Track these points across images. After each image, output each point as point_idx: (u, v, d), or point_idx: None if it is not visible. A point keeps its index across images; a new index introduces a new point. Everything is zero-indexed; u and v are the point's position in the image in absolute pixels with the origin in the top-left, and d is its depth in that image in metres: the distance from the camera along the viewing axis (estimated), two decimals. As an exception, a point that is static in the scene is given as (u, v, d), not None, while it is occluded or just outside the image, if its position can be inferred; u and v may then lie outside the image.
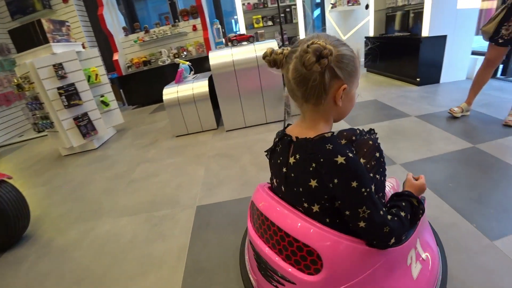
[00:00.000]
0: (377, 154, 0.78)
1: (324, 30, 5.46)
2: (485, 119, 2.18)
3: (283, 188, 0.75)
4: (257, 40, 2.68)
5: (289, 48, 0.67)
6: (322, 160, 0.63)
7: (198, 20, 4.52)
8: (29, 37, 2.65)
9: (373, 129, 0.89)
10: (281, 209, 0.72)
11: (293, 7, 4.44)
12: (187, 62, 3.17)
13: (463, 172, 1.56)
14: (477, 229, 1.14)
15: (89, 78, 3.20)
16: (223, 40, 2.67)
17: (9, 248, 1.60)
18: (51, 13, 4.65)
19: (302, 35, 4.59)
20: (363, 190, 0.62)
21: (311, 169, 0.64)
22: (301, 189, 0.68)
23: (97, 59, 3.28)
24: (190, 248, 1.31)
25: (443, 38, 3.14)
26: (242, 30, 4.59)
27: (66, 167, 2.83)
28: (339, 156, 0.62)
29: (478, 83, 2.19)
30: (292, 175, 0.70)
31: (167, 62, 4.60)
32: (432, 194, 1.39)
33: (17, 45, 2.83)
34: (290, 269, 0.69)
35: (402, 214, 0.70)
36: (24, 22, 4.49)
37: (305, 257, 0.67)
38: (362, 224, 0.63)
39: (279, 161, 0.74)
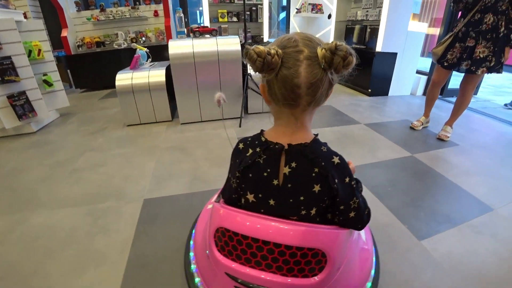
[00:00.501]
0: None
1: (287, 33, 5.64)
2: (424, 132, 2.51)
3: (271, 202, 0.68)
4: (220, 35, 2.67)
5: (276, 48, 0.58)
6: (323, 163, 0.63)
7: (161, 6, 4.32)
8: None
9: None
10: (276, 224, 0.66)
11: (259, 6, 4.49)
12: (145, 48, 3.03)
13: (401, 178, 1.77)
14: (408, 230, 1.31)
15: (30, 53, 2.88)
16: (185, 30, 2.60)
17: None
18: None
19: (266, 35, 4.67)
20: (353, 183, 0.68)
21: (314, 174, 0.63)
22: (302, 198, 0.65)
23: (41, 33, 2.97)
24: (134, 242, 1.28)
25: (393, 55, 3.47)
26: (206, 22, 4.51)
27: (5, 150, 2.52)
28: (334, 156, 0.65)
29: (429, 100, 2.51)
30: (289, 185, 0.65)
31: (123, 46, 4.33)
32: (372, 196, 1.57)
33: None
34: (295, 281, 0.67)
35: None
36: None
37: (310, 261, 0.66)
38: (352, 214, 0.69)
39: (265, 174, 0.66)
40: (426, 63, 3.42)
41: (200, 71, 2.49)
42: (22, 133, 2.88)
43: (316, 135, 0.68)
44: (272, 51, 0.56)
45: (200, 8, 4.70)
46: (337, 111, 3.04)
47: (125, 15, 4.30)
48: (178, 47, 2.40)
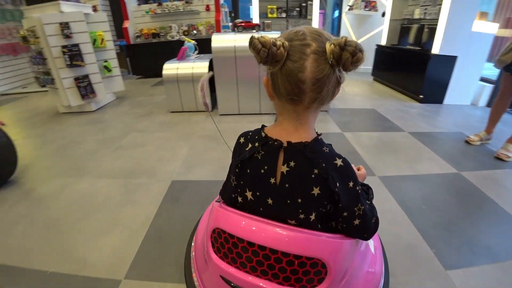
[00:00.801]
0: None
1: (338, 31, 5.42)
2: (478, 148, 2.16)
3: (269, 201, 0.64)
4: (263, 30, 2.69)
5: (283, 40, 0.54)
6: (324, 165, 0.58)
7: (212, 1, 4.50)
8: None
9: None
10: (272, 230, 0.61)
11: (309, 2, 4.41)
12: (193, 41, 3.20)
13: (439, 196, 1.57)
14: (435, 255, 1.15)
15: (94, 41, 3.24)
16: (230, 24, 2.68)
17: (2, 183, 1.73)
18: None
19: (314, 32, 4.58)
20: (357, 188, 0.62)
21: (313, 176, 0.59)
22: (300, 200, 0.61)
23: (105, 24, 3.31)
24: (155, 218, 1.40)
25: (453, 59, 3.13)
26: (255, 18, 4.58)
27: (61, 124, 2.91)
28: (337, 158, 0.60)
29: (495, 113, 2.16)
30: (287, 185, 0.61)
31: (175, 38, 4.61)
32: (401, 211, 1.42)
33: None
34: None
35: (368, 202, 0.72)
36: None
37: (309, 271, 0.61)
38: (357, 222, 0.62)
39: (262, 171, 0.63)
40: (493, 70, 2.99)
41: (241, 65, 2.55)
42: (83, 111, 3.27)
43: (319, 134, 0.63)
44: (278, 43, 0.52)
45: (250, 5, 4.77)
46: (380, 115, 2.83)
47: (179, 9, 4.57)
48: (220, 40, 2.50)
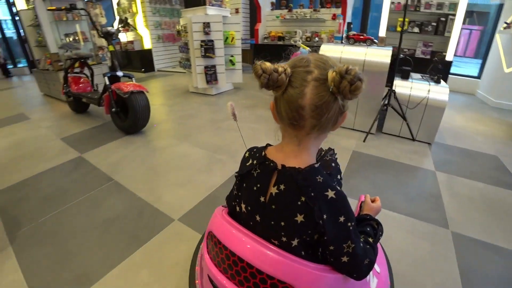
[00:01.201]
0: (339, 177, 0.81)
1: (485, 55, 4.46)
2: None
3: (257, 217, 0.65)
4: (376, 45, 2.59)
5: (286, 66, 0.56)
6: (312, 194, 0.57)
7: (340, 10, 4.54)
8: (194, -1, 3.46)
9: (333, 149, 0.85)
10: (253, 245, 0.62)
11: (450, 17, 3.85)
12: (308, 48, 3.38)
13: None
14: None
15: (226, 39, 3.88)
16: (343, 36, 2.72)
17: (130, 133, 2.58)
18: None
19: (451, 52, 3.98)
20: (349, 224, 0.59)
21: (299, 203, 0.58)
22: (283, 223, 0.61)
23: (237, 25, 3.91)
24: (218, 188, 1.72)
25: None
26: (382, 31, 4.35)
27: (187, 100, 3.73)
28: (329, 190, 0.58)
29: None
30: (273, 207, 0.62)
31: (298, 43, 4.91)
32: (457, 280, 1.15)
33: (186, 2, 3.74)
34: None
35: (370, 240, 0.68)
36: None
37: None
38: (345, 259, 0.59)
39: (255, 188, 0.64)
40: None
41: (342, 76, 2.57)
42: (205, 93, 4.03)
43: (320, 163, 0.62)
44: (280, 69, 0.54)
45: (374, 14, 4.56)
46: (501, 166, 2.14)
47: (306, 16, 4.83)
48: (327, 50, 2.58)
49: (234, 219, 0.70)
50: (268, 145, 0.69)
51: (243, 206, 0.68)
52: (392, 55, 2.34)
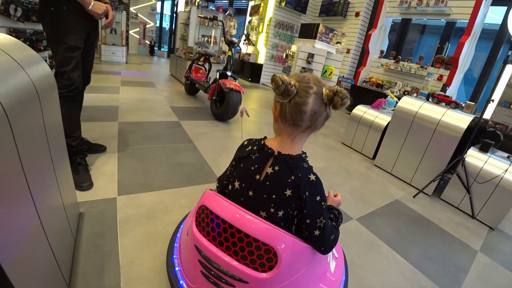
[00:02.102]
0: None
1: None
2: None
3: (250, 193, 0.80)
4: (460, 109, 2.52)
5: (294, 81, 0.74)
6: (300, 175, 0.75)
7: (447, 72, 4.37)
8: (308, 31, 3.99)
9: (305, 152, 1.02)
10: (242, 214, 0.76)
11: None
12: (396, 98, 3.46)
13: None
14: None
15: (325, 71, 4.28)
16: (427, 93, 2.75)
17: (219, 120, 3.27)
18: (343, 20, 6.11)
19: None
20: (323, 203, 0.78)
21: (289, 180, 0.75)
22: (274, 196, 0.77)
23: (338, 63, 4.27)
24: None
25: None
26: (492, 105, 4.01)
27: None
28: (311, 174, 0.77)
29: None
30: (267, 183, 0.77)
31: (387, 92, 4.93)
32: None
33: (300, 33, 4.32)
34: (245, 269, 0.74)
35: (334, 224, 0.87)
36: (326, 20, 6.22)
37: (262, 256, 0.74)
38: (317, 232, 0.76)
39: (252, 168, 0.80)
40: None
41: (414, 130, 2.60)
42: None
43: (304, 153, 0.83)
44: (292, 82, 0.72)
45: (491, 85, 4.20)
46: None
47: (411, 71, 4.81)
48: (407, 103, 2.66)
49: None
50: (265, 137, 0.87)
51: (236, 184, 0.84)
52: (473, 124, 2.27)
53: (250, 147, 0.84)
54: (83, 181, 1.52)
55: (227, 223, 0.76)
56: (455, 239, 1.90)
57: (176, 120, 3.02)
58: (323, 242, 0.78)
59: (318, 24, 3.89)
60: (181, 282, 0.91)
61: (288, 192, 0.75)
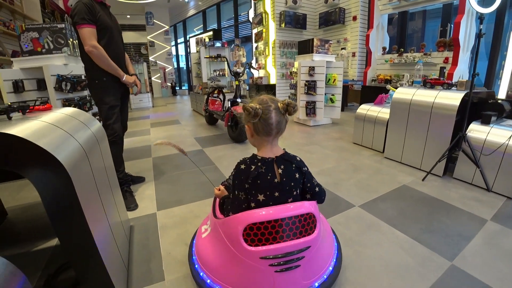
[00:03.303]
0: None
1: None
2: None
3: (276, 194, 1.05)
4: (456, 87, 2.62)
5: (258, 106, 1.00)
6: (296, 160, 1.10)
7: (452, 54, 4.41)
8: (305, 47, 4.35)
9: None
10: (284, 206, 1.04)
11: None
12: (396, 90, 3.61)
13: None
14: None
15: (328, 80, 4.56)
16: (421, 80, 2.90)
17: (236, 142, 3.70)
18: (342, 26, 6.39)
19: None
20: (309, 171, 1.15)
21: (293, 168, 1.08)
22: (292, 184, 1.07)
23: (339, 69, 4.53)
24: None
25: None
26: (507, 72, 3.98)
27: (288, 126, 4.56)
28: (297, 157, 1.13)
29: None
30: (284, 179, 1.06)
31: (388, 87, 5.02)
32: None
33: (299, 50, 4.69)
34: (304, 239, 1.03)
35: None
36: (327, 30, 6.57)
37: (308, 223, 1.06)
38: (317, 189, 1.15)
39: (268, 177, 1.04)
40: None
41: (412, 117, 2.75)
42: (305, 124, 4.82)
43: (284, 149, 1.12)
44: (258, 106, 1.00)
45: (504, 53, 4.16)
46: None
47: (415, 60, 4.89)
48: (402, 93, 2.84)
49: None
50: (253, 154, 1.10)
51: (260, 197, 1.05)
52: (470, 98, 2.33)
53: (253, 167, 1.04)
54: (130, 203, 1.99)
55: (278, 220, 1.01)
56: (464, 212, 1.95)
57: (200, 148, 3.48)
58: (323, 193, 1.18)
59: (313, 39, 4.25)
60: (201, 274, 1.20)
61: (297, 175, 1.09)
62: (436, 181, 2.49)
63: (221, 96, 4.71)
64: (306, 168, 1.13)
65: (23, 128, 0.89)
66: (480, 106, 2.62)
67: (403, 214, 1.92)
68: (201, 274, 1.20)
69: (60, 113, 1.24)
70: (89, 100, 2.95)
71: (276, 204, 1.06)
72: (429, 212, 1.95)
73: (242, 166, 1.07)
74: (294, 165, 1.09)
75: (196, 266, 1.25)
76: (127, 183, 2.17)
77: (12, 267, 0.69)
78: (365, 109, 3.54)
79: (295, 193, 1.10)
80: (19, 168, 0.85)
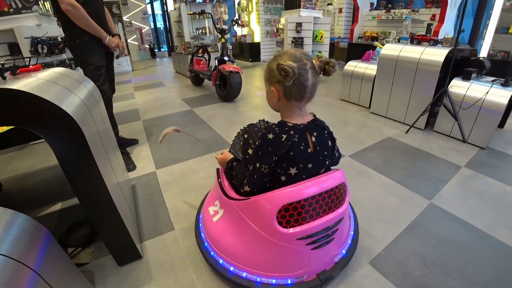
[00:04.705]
0: None
1: None
2: None
3: (309, 166, 0.93)
4: (441, 44, 2.68)
5: (294, 65, 0.81)
6: (327, 128, 0.99)
7: (439, 11, 4.40)
8: (292, 2, 4.20)
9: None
10: (318, 180, 0.93)
11: None
12: (383, 46, 3.63)
13: None
14: None
15: (315, 37, 4.48)
16: (408, 36, 2.93)
17: (225, 101, 3.65)
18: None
19: None
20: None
21: (326, 135, 0.97)
22: (325, 152, 0.97)
23: (326, 26, 4.44)
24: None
25: None
26: (490, 31, 4.06)
27: None
28: (325, 124, 1.00)
29: None
30: (318, 148, 0.94)
31: (375, 44, 5.01)
32: None
33: (285, 5, 4.52)
34: (339, 212, 0.97)
35: None
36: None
37: (341, 193, 0.99)
38: (337, 153, 1.07)
39: (302, 147, 0.91)
40: None
41: (398, 73, 2.82)
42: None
43: (313, 114, 1.00)
44: (294, 65, 0.81)
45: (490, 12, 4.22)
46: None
47: (403, 17, 4.85)
48: (389, 49, 2.87)
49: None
50: (282, 121, 0.95)
51: (293, 170, 0.92)
52: (454, 55, 2.40)
53: (284, 136, 0.90)
54: (128, 164, 2.03)
55: (315, 196, 0.91)
56: (442, 160, 2.15)
57: (189, 109, 3.45)
58: (340, 157, 1.11)
59: (298, -9, 4.09)
60: (212, 253, 1.13)
61: (330, 143, 1.00)
62: (418, 133, 2.66)
63: (206, 56, 4.54)
64: (332, 134, 1.03)
65: (23, 84, 0.86)
66: (462, 63, 2.72)
67: (388, 162, 2.09)
68: (220, 262, 1.09)
69: (53, 72, 1.20)
70: (70, 64, 2.80)
71: (308, 177, 0.94)
72: (411, 160, 2.13)
73: (270, 136, 0.90)
74: (326, 132, 0.98)
75: (212, 253, 1.13)
76: (123, 145, 2.18)
77: (35, 222, 0.73)
78: (352, 65, 3.57)
79: (327, 162, 1.00)
80: (31, 125, 0.84)
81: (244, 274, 1.03)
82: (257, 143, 0.95)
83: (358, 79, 3.46)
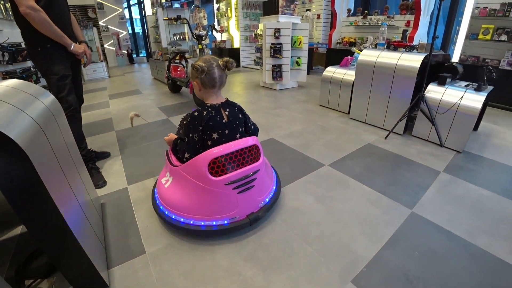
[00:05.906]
0: None
1: None
2: None
3: (226, 131, 1.33)
4: (417, 50, 2.73)
5: (203, 64, 1.28)
6: (237, 105, 1.42)
7: (413, 17, 4.53)
8: (270, 8, 4.17)
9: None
10: (236, 142, 1.34)
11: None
12: (360, 52, 3.68)
13: None
14: None
15: (294, 42, 4.47)
16: (385, 42, 2.97)
17: None
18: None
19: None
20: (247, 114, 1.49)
21: (236, 110, 1.39)
22: (237, 122, 1.38)
23: (305, 31, 4.45)
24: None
25: None
26: (461, 38, 4.21)
27: (255, 91, 4.55)
28: (237, 103, 1.43)
29: None
30: (231, 119, 1.34)
31: (353, 49, 5.10)
32: None
33: (264, 11, 4.50)
34: (255, 164, 1.37)
35: None
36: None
37: (256, 152, 1.41)
38: (253, 127, 1.51)
39: (218, 118, 1.31)
40: None
41: (376, 79, 2.85)
42: (271, 88, 4.76)
43: (226, 98, 1.42)
44: (203, 64, 1.27)
45: (460, 19, 4.38)
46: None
47: (379, 23, 4.96)
48: (366, 55, 2.89)
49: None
50: (203, 103, 1.38)
51: (214, 135, 1.32)
52: (430, 61, 2.43)
53: (205, 113, 1.30)
54: (98, 180, 1.86)
55: (234, 152, 1.30)
56: (421, 165, 2.16)
57: (165, 118, 3.29)
58: (257, 130, 1.55)
59: None
60: (166, 212, 1.41)
61: (240, 116, 1.40)
62: (397, 138, 2.68)
63: (183, 62, 4.42)
64: (245, 111, 1.47)
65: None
66: (437, 68, 2.78)
67: (368, 170, 2.07)
68: (173, 217, 1.38)
69: (3, 86, 1.07)
70: (35, 72, 2.61)
71: (228, 140, 1.33)
72: (391, 167, 2.12)
73: (196, 113, 1.31)
74: (236, 108, 1.40)
75: (166, 213, 1.42)
76: (92, 160, 2.01)
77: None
78: (331, 71, 3.58)
79: (240, 129, 1.40)
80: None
81: (191, 222, 1.34)
82: (187, 121, 1.36)
83: (337, 84, 3.47)
